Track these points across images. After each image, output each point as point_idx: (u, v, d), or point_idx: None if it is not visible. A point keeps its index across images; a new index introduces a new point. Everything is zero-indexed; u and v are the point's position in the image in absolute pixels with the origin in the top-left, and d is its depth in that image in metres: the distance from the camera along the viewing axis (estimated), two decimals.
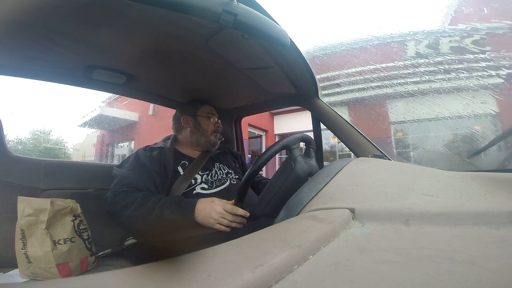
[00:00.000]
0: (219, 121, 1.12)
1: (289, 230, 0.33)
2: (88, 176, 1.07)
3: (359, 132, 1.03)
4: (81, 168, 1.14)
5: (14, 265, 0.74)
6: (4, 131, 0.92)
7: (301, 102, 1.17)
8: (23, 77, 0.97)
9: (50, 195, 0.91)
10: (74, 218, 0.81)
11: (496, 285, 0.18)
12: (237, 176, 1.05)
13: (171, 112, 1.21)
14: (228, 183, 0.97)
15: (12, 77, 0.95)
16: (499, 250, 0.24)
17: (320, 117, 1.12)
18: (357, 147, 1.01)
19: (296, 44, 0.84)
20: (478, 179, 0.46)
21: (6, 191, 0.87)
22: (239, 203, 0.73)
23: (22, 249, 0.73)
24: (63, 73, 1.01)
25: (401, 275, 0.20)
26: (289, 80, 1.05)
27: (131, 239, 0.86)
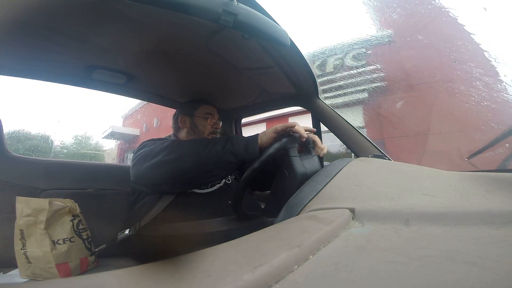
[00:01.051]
0: (220, 121, 1.10)
1: (289, 230, 0.33)
2: (88, 176, 1.07)
3: (359, 132, 1.03)
4: (81, 168, 1.14)
5: (14, 265, 0.74)
6: (3, 131, 0.92)
7: (301, 102, 1.17)
8: (23, 77, 0.97)
9: (50, 195, 0.91)
10: (73, 218, 0.81)
11: (496, 285, 0.18)
12: (233, 176, 1.03)
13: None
14: (222, 182, 0.96)
15: (11, 77, 0.95)
16: (499, 250, 0.24)
17: (320, 117, 1.12)
18: (357, 147, 1.01)
19: (296, 44, 0.84)
20: (478, 179, 0.46)
21: (6, 191, 0.87)
22: (238, 200, 0.72)
23: (21, 249, 0.73)
24: (63, 73, 1.01)
25: (401, 275, 0.20)
26: (289, 80, 1.05)
27: (124, 232, 0.84)
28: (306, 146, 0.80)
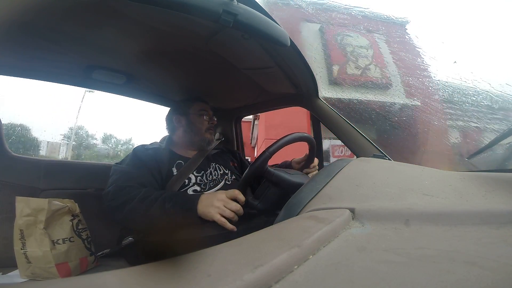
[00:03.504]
0: (214, 117, 1.09)
1: (289, 230, 0.33)
2: (88, 176, 1.07)
3: (359, 132, 1.03)
4: (81, 168, 1.14)
5: (14, 265, 0.74)
6: (3, 131, 0.92)
7: (301, 102, 1.17)
8: (23, 77, 0.97)
9: (50, 195, 0.91)
10: (72, 218, 0.80)
11: (496, 285, 0.18)
12: (233, 177, 1.03)
13: None
14: (222, 183, 0.96)
15: (12, 77, 0.95)
16: (499, 250, 0.24)
17: (320, 117, 1.12)
18: (357, 147, 1.01)
19: (296, 44, 0.84)
20: (478, 179, 0.46)
21: (6, 191, 0.87)
22: (243, 188, 0.73)
23: (21, 249, 0.72)
24: (63, 73, 1.02)
25: (401, 275, 0.20)
26: (289, 80, 1.05)
27: (128, 238, 0.85)
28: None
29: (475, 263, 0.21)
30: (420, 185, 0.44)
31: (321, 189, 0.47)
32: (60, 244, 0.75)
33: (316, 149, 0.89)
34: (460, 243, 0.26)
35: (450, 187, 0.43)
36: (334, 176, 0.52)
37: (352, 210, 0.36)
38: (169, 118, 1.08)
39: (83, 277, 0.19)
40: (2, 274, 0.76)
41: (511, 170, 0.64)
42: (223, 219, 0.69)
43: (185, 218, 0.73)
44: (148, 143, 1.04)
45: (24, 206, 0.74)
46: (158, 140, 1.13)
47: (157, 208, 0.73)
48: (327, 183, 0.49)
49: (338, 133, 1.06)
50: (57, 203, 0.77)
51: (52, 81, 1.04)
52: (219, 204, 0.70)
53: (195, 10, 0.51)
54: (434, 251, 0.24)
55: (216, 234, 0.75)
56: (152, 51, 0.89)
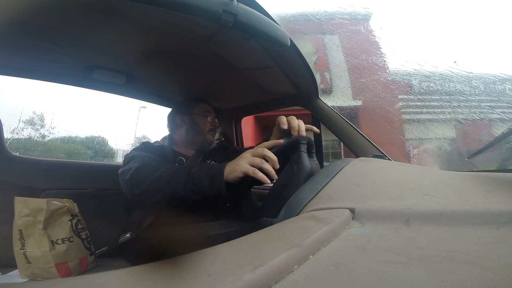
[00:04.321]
0: (216, 119, 1.10)
1: (289, 230, 0.33)
2: (88, 176, 1.07)
3: (359, 132, 1.03)
4: (81, 168, 1.14)
5: (14, 265, 0.74)
6: (3, 131, 0.92)
7: (301, 102, 1.17)
8: (23, 77, 0.97)
9: (50, 195, 0.91)
10: (71, 217, 0.81)
11: (496, 285, 0.18)
12: None
13: None
14: None
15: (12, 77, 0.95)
16: (499, 250, 0.24)
17: (320, 117, 1.12)
18: (357, 147, 1.01)
19: (296, 44, 0.84)
20: (478, 179, 0.46)
21: (6, 191, 0.87)
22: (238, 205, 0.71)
23: (20, 249, 0.73)
24: (63, 73, 1.02)
25: (401, 275, 0.20)
26: (289, 80, 1.05)
27: (126, 235, 0.85)
28: (309, 150, 0.79)
29: (475, 263, 0.21)
30: (420, 185, 0.44)
31: (321, 189, 0.47)
32: (59, 244, 0.75)
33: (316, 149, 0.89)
34: (460, 243, 0.26)
35: (450, 187, 0.43)
36: (334, 176, 0.52)
37: (352, 210, 0.36)
38: (172, 117, 1.09)
39: (83, 277, 0.19)
40: (2, 274, 0.76)
41: (511, 170, 0.64)
42: (254, 169, 0.63)
43: (211, 185, 0.67)
44: (153, 142, 1.06)
45: (23, 206, 0.74)
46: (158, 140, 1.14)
47: (183, 173, 0.70)
48: (327, 183, 0.49)
49: (338, 133, 1.06)
50: (56, 203, 0.77)
51: (52, 81, 1.04)
52: (247, 155, 0.65)
53: (195, 10, 0.51)
54: (434, 251, 0.24)
55: (217, 233, 0.75)
56: (152, 51, 0.89)
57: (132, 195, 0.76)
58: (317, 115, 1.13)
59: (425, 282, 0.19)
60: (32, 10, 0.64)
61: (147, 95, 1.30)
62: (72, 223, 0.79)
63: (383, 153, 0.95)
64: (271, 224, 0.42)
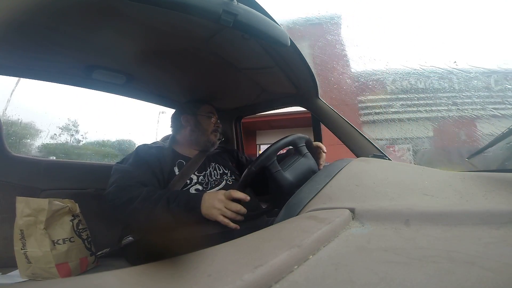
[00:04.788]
0: (218, 121, 1.12)
1: (289, 230, 0.33)
2: (88, 176, 1.07)
3: (359, 132, 1.03)
4: (81, 168, 1.14)
5: (14, 265, 0.74)
6: (3, 131, 0.92)
7: (301, 102, 1.17)
8: (23, 77, 0.97)
9: (50, 195, 0.91)
10: (73, 218, 0.81)
11: (496, 285, 0.18)
12: (233, 177, 1.03)
13: None
14: (223, 183, 0.96)
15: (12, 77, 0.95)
16: (499, 250, 0.24)
17: (320, 117, 1.12)
18: (357, 147, 1.01)
19: (296, 44, 0.84)
20: (478, 179, 0.46)
21: (6, 191, 0.87)
22: (242, 189, 0.74)
23: (21, 249, 0.72)
24: (63, 73, 1.01)
25: (401, 275, 0.20)
26: (289, 80, 1.05)
27: (128, 237, 0.85)
28: (297, 148, 0.81)
29: (475, 263, 0.21)
30: (420, 185, 0.44)
31: (321, 189, 0.48)
32: (60, 244, 0.75)
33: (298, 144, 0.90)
34: (460, 243, 0.26)
35: (450, 187, 0.43)
36: (334, 176, 0.52)
37: (352, 210, 0.36)
38: (176, 117, 1.10)
39: (83, 277, 0.19)
40: (2, 274, 0.76)
41: (511, 170, 0.64)
42: (226, 220, 0.72)
43: (189, 217, 0.73)
44: (151, 143, 1.05)
45: (24, 206, 0.74)
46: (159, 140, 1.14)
47: (161, 207, 0.74)
48: (327, 183, 0.49)
49: (338, 133, 1.06)
50: (58, 203, 0.77)
51: (52, 81, 1.04)
52: (220, 205, 0.72)
53: (195, 10, 0.51)
54: (434, 251, 0.24)
55: (217, 232, 0.75)
56: (152, 51, 0.89)
57: (118, 218, 0.81)
58: (317, 115, 1.13)
59: (425, 282, 0.19)
60: (32, 10, 0.64)
61: (147, 95, 1.30)
62: (73, 223, 0.80)
63: (383, 153, 0.95)
64: (271, 224, 0.42)
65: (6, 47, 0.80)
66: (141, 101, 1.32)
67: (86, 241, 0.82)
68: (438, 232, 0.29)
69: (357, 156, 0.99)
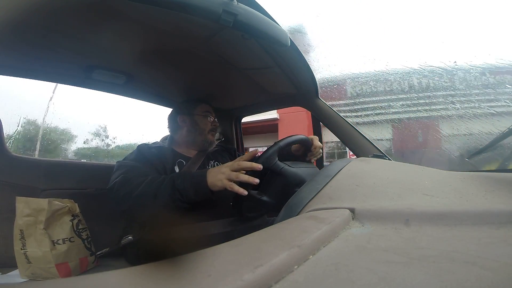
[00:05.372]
0: (216, 120, 1.11)
1: (289, 230, 0.33)
2: (88, 176, 1.07)
3: (359, 132, 1.03)
4: (81, 168, 1.14)
5: (14, 265, 0.74)
6: (3, 131, 0.92)
7: (301, 102, 1.17)
8: (23, 77, 0.97)
9: (50, 195, 0.91)
10: (72, 218, 0.81)
11: (496, 285, 0.18)
12: None
13: None
14: None
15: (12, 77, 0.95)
16: (499, 250, 0.24)
17: (320, 117, 1.12)
18: (357, 147, 1.01)
19: (296, 44, 0.84)
20: (478, 179, 0.46)
21: (6, 191, 0.87)
22: (238, 206, 0.72)
23: (21, 249, 0.73)
24: (63, 73, 1.01)
25: (401, 275, 0.20)
26: (289, 80, 1.05)
27: (128, 237, 0.85)
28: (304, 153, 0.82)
29: (475, 263, 0.21)
30: (420, 185, 0.44)
31: (321, 189, 0.47)
32: (60, 244, 0.75)
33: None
34: (460, 243, 0.26)
35: (450, 187, 0.43)
36: (334, 176, 0.52)
37: (352, 210, 0.36)
38: (172, 118, 1.09)
39: (83, 277, 0.19)
40: (2, 274, 0.76)
41: (511, 170, 0.64)
42: (231, 183, 0.68)
43: (197, 193, 0.71)
44: (151, 143, 1.05)
45: (24, 206, 0.74)
46: (158, 140, 1.14)
47: (167, 186, 0.72)
48: (327, 183, 0.49)
49: (338, 133, 1.06)
50: (57, 203, 0.77)
51: (52, 81, 1.04)
52: (225, 170, 0.70)
53: (195, 10, 0.51)
54: (434, 251, 0.24)
55: (217, 233, 0.75)
56: (152, 51, 0.89)
57: (121, 211, 0.79)
58: (317, 115, 1.13)
59: (425, 282, 0.19)
60: (32, 10, 0.64)
61: (147, 95, 1.30)
62: (73, 223, 0.80)
63: (383, 153, 0.95)
64: (271, 224, 0.42)
65: (6, 47, 0.80)
66: (141, 101, 1.32)
67: (86, 241, 0.82)
68: (438, 232, 0.29)
69: (357, 156, 0.99)
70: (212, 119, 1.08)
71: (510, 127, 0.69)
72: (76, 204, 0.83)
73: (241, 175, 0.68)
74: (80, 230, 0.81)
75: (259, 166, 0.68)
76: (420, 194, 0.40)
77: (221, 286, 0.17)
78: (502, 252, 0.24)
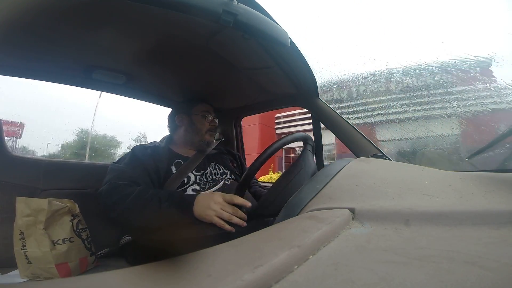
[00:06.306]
0: (216, 120, 1.10)
1: (289, 230, 0.33)
2: (88, 176, 1.07)
3: (359, 132, 1.03)
4: (81, 168, 1.14)
5: (14, 265, 0.74)
6: (3, 131, 0.92)
7: (301, 102, 1.17)
8: (23, 77, 0.97)
9: (50, 195, 0.91)
10: (72, 218, 0.80)
11: (496, 285, 0.18)
12: (232, 177, 1.03)
13: None
14: (222, 183, 0.95)
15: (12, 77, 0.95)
16: (499, 250, 0.24)
17: (320, 117, 1.12)
18: (357, 147, 1.01)
19: (296, 44, 0.84)
20: (478, 179, 0.46)
21: (6, 191, 0.87)
22: (239, 194, 0.71)
23: (21, 249, 0.72)
24: (63, 73, 1.02)
25: (401, 275, 0.20)
26: (289, 80, 1.05)
27: (126, 237, 0.85)
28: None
29: (475, 263, 0.21)
30: (420, 185, 0.44)
31: (321, 189, 0.47)
32: (60, 244, 0.75)
33: (316, 149, 0.90)
34: (460, 243, 0.26)
35: (450, 187, 0.43)
36: (334, 176, 0.52)
37: (352, 210, 0.36)
38: (171, 117, 1.09)
39: (83, 277, 0.19)
40: (2, 274, 0.76)
41: (511, 170, 0.64)
42: (221, 221, 0.69)
43: (181, 218, 0.71)
44: (148, 143, 1.05)
45: (24, 206, 0.74)
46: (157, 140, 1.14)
47: (153, 207, 0.72)
48: (327, 183, 0.49)
49: (338, 133, 1.06)
50: (57, 203, 0.77)
51: (52, 81, 1.04)
52: (216, 207, 0.70)
53: (195, 10, 0.51)
54: (434, 251, 0.24)
55: (214, 234, 0.75)
56: (152, 51, 0.89)
57: (110, 218, 0.79)
58: (317, 115, 1.13)
59: (425, 282, 0.19)
60: (32, 10, 0.64)
61: (147, 95, 1.30)
62: (73, 224, 0.79)
63: (383, 153, 0.95)
64: (271, 224, 0.42)
65: (6, 47, 0.80)
66: (141, 101, 1.32)
67: (86, 241, 0.82)
68: (438, 232, 0.29)
69: (357, 156, 0.99)
70: (210, 119, 1.07)
71: (510, 127, 0.69)
72: (76, 204, 0.83)
73: (234, 218, 0.69)
74: (80, 230, 0.81)
75: (249, 204, 0.69)
76: (420, 194, 0.40)
77: (221, 286, 0.17)
78: (502, 252, 0.24)
